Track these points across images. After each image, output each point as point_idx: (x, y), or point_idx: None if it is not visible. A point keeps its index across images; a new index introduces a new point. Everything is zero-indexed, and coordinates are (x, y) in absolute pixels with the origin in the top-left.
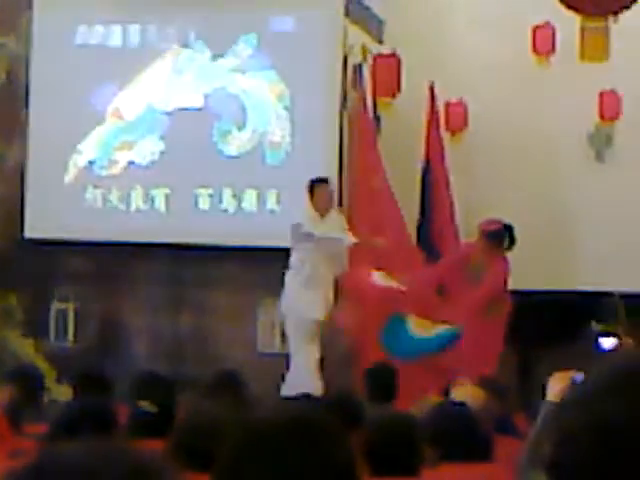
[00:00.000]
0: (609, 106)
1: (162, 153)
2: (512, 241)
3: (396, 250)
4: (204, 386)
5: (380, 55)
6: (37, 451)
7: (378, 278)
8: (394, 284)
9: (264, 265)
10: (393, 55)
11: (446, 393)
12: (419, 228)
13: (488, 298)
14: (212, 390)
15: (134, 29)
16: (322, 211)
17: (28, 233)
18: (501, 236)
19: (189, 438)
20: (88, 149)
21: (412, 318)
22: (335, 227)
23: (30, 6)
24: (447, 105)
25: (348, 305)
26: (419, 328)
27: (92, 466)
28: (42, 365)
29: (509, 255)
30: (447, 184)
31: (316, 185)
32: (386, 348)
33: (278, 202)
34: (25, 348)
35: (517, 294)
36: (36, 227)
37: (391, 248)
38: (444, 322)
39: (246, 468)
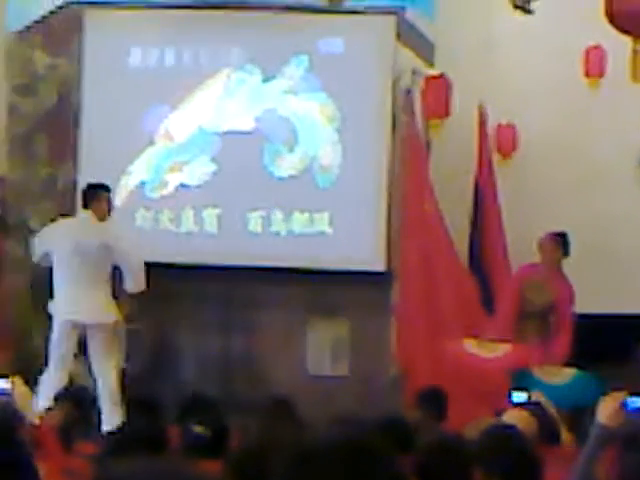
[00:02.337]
0: None
1: (213, 175)
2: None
3: (447, 275)
4: (258, 412)
5: (430, 77)
6: (92, 470)
7: (473, 348)
8: (492, 351)
9: (314, 287)
10: (443, 77)
11: (497, 415)
12: (470, 251)
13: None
14: (266, 416)
15: (186, 51)
16: (101, 218)
17: None
18: (565, 241)
19: (244, 462)
20: (139, 170)
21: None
22: (106, 232)
23: (82, 27)
24: (497, 127)
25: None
26: (543, 373)
27: None
28: (93, 385)
29: None
30: (497, 207)
31: (100, 191)
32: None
33: (331, 224)
34: (77, 368)
35: None
36: None
37: (442, 274)
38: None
39: None
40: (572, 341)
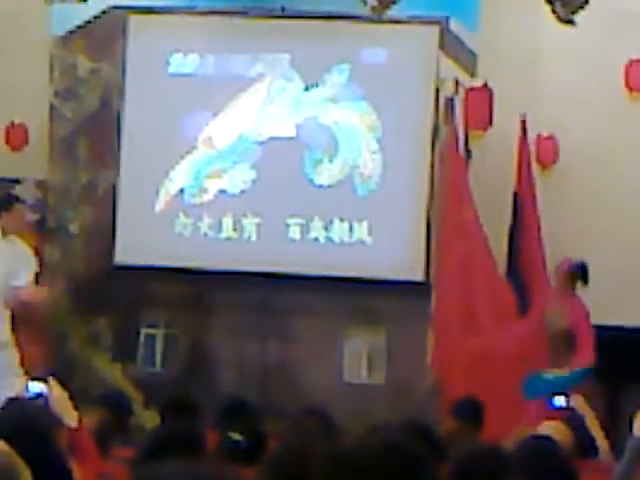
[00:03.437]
0: None
1: (253, 182)
2: (586, 278)
3: (485, 284)
4: (294, 419)
5: (472, 88)
6: (129, 473)
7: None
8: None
9: (352, 295)
10: (485, 88)
11: (533, 426)
12: (508, 261)
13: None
14: (301, 423)
15: (227, 58)
16: (13, 232)
17: (118, 259)
18: (579, 271)
19: (281, 468)
20: (179, 177)
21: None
22: (17, 252)
23: (125, 33)
24: (538, 139)
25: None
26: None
27: None
28: (129, 390)
29: (591, 291)
30: (536, 217)
31: (18, 204)
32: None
33: (369, 233)
34: (113, 373)
35: (605, 329)
36: (126, 253)
37: (480, 283)
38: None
39: None
40: (592, 360)
